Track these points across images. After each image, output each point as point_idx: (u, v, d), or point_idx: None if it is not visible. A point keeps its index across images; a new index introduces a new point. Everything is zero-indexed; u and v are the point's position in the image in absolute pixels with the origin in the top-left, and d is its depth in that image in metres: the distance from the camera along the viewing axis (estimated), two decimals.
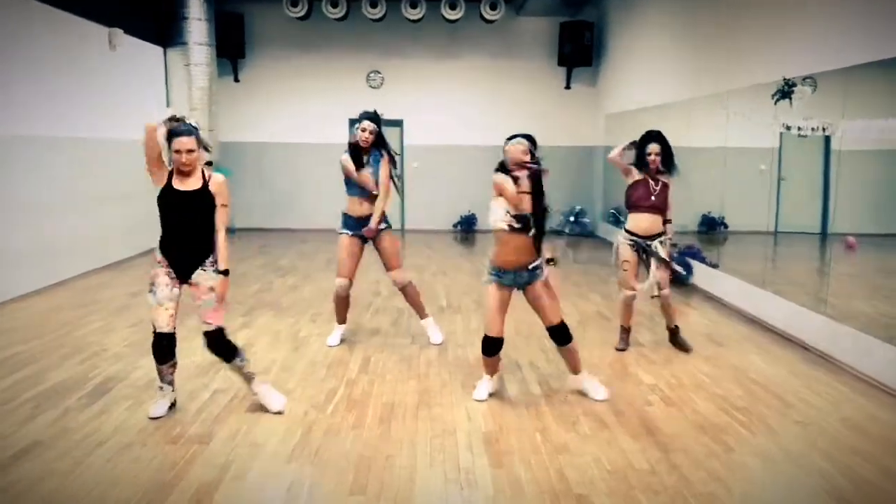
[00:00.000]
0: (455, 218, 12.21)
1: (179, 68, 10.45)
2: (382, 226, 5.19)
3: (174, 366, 3.93)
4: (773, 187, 6.71)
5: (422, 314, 5.52)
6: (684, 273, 6.71)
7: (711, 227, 8.05)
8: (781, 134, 6.43)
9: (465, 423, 3.90)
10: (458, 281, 7.99)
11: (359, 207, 5.15)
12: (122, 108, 9.04)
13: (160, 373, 3.89)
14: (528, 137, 4.06)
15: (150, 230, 11.17)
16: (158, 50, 10.33)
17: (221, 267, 3.77)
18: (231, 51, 11.71)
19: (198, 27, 10.40)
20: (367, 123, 5.06)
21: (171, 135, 3.61)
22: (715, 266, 7.49)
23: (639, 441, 3.68)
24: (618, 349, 5.30)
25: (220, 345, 3.80)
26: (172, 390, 3.98)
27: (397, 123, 12.48)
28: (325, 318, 6.11)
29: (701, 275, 7.65)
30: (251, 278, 8.09)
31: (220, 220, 3.77)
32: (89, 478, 3.20)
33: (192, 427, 3.79)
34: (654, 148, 5.10)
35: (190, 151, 3.61)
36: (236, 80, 12.17)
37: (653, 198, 5.11)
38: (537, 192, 3.95)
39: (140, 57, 9.71)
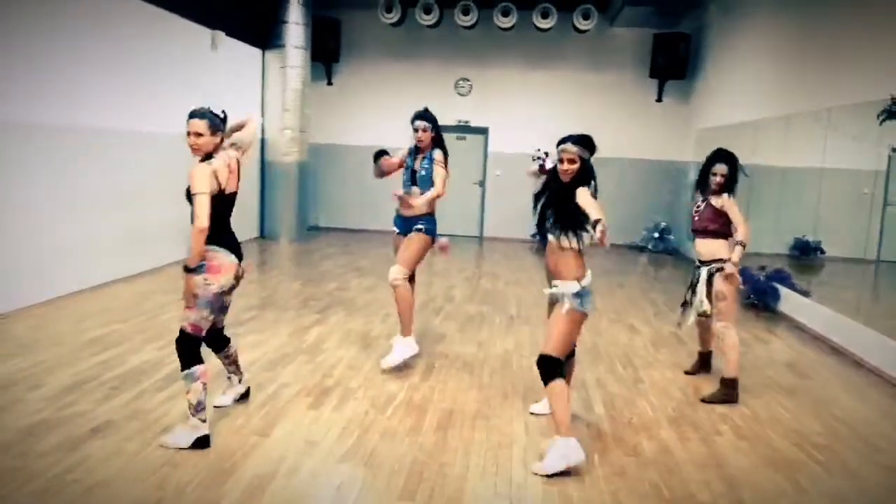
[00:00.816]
0: (534, 228, 12.08)
1: (275, 70, 10.85)
2: (420, 225, 4.87)
3: (227, 357, 3.98)
4: (877, 213, 6.27)
5: (403, 329, 4.92)
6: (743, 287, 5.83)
7: (805, 252, 7.61)
8: (889, 156, 6.02)
9: (522, 437, 3.83)
10: (531, 291, 7.89)
11: (406, 207, 4.97)
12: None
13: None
14: (581, 140, 3.59)
15: (243, 223, 11.60)
16: (257, 52, 10.76)
17: (189, 262, 3.42)
18: (326, 55, 12.05)
19: (295, 31, 10.77)
20: (419, 123, 4.88)
21: (188, 117, 3.49)
22: (806, 294, 7.06)
23: (703, 471, 3.50)
24: (686, 372, 5.07)
25: (178, 345, 3.52)
26: (239, 381, 4.09)
27: (482, 131, 12.49)
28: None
29: (790, 302, 7.24)
30: (331, 277, 8.27)
31: (193, 209, 3.36)
32: (154, 459, 3.34)
33: (254, 419, 3.89)
34: (720, 169, 4.59)
35: (198, 135, 3.42)
36: (329, 83, 12.50)
37: (696, 217, 4.73)
38: (555, 202, 3.61)
39: (239, 58, 10.15)
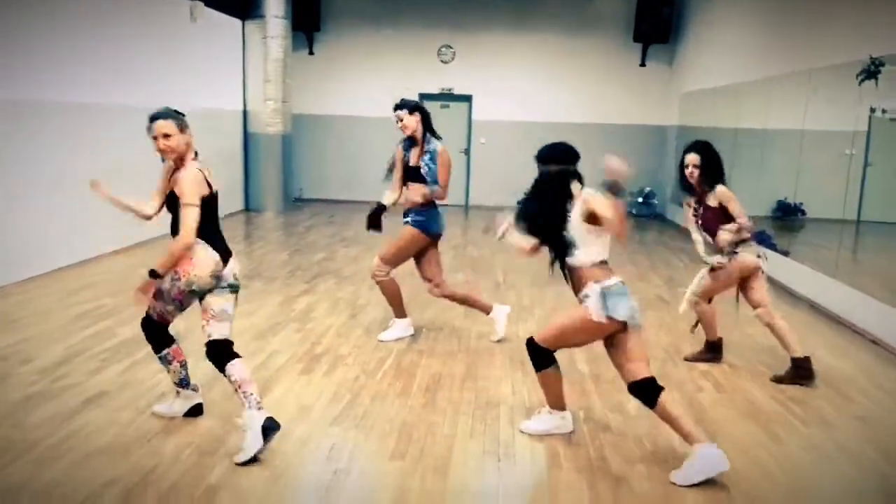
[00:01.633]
0: (520, 195, 12.11)
1: (256, 41, 10.72)
2: (409, 218, 4.72)
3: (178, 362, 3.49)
4: (858, 173, 6.36)
5: (396, 314, 4.95)
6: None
7: (787, 214, 7.72)
8: (870, 117, 6.09)
9: (509, 398, 3.93)
10: (515, 259, 7.97)
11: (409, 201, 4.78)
12: (201, 79, 9.38)
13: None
14: (561, 153, 3.33)
15: (227, 196, 11.47)
16: (237, 22, 10.62)
17: (157, 266, 3.20)
18: (307, 24, 11.90)
19: (275, 1, 10.62)
20: (397, 112, 4.62)
21: (150, 121, 3.31)
22: (785, 253, 7.19)
23: None
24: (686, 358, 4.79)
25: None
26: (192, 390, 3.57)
27: (466, 98, 12.44)
28: None
29: (771, 262, 7.33)
30: (317, 247, 8.30)
31: (181, 221, 3.15)
32: (149, 427, 3.40)
33: None
34: (691, 159, 4.34)
35: (166, 136, 3.23)
36: (311, 52, 12.38)
37: (700, 222, 4.43)
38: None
39: (219, 29, 10.02)
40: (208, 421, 3.49)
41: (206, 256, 3.23)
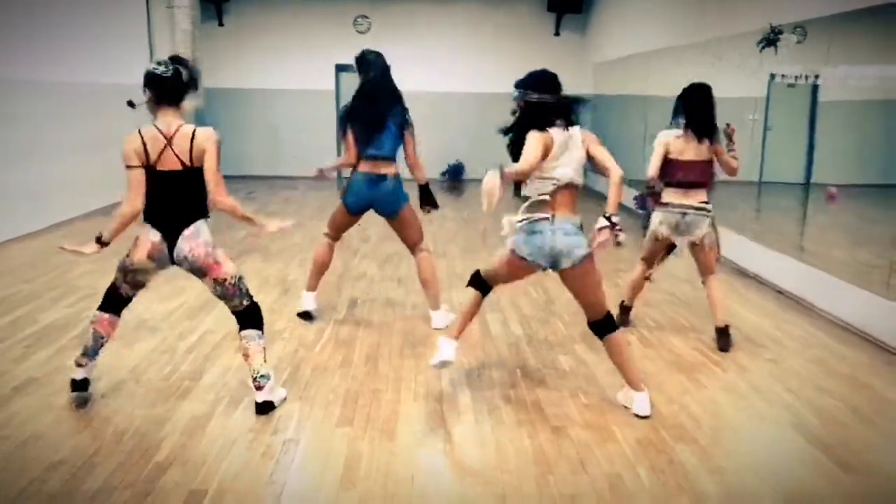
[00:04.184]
0: (443, 166, 12.21)
1: (161, 10, 10.23)
2: None
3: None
4: (760, 138, 6.75)
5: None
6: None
7: None
8: (770, 83, 6.46)
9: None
10: (445, 228, 8.10)
11: None
12: (104, 52, 8.93)
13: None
14: (519, 83, 3.65)
15: None
16: None
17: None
18: None
19: None
20: None
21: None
22: None
23: (616, 378, 3.79)
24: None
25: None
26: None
27: None
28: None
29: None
30: (240, 224, 8.09)
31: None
32: (87, 411, 3.32)
33: (183, 365, 3.90)
34: None
35: None
36: (220, 24, 11.96)
37: None
38: None
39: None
40: (149, 400, 3.44)
41: (142, 237, 3.35)
